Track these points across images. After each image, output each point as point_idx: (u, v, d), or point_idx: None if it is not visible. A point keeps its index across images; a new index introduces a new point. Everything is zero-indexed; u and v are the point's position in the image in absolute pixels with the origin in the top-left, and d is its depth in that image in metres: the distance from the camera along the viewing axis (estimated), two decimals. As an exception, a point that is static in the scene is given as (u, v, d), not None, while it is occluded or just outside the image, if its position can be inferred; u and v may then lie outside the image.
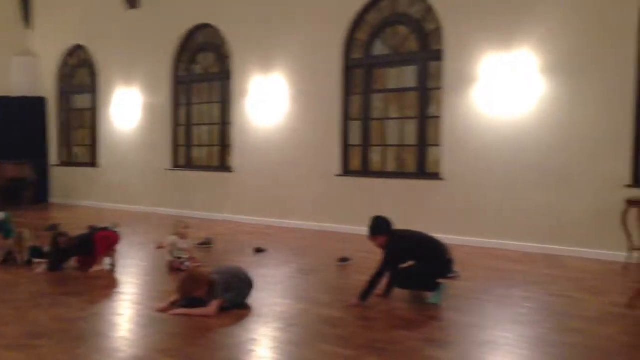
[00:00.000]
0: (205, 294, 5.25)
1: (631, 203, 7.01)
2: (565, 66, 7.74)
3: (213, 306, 5.18)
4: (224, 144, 11.78)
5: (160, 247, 7.15)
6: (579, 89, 7.67)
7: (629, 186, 7.35)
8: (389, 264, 5.55)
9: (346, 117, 9.98)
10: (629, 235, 7.03)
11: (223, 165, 11.74)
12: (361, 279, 6.44)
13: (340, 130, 9.96)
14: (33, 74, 14.82)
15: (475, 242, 8.43)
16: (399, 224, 5.79)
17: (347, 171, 9.99)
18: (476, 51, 8.42)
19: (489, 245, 8.33)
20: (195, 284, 5.27)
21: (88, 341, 4.59)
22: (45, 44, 14.75)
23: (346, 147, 10.01)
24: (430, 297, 5.55)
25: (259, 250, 8.08)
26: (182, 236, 7.22)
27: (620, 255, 7.20)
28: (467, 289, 6.04)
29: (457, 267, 6.60)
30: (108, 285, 6.39)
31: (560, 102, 7.80)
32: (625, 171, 7.41)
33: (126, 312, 5.37)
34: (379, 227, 5.63)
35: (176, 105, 12.50)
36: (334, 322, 4.97)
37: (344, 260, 7.32)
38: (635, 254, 7.16)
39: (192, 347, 4.43)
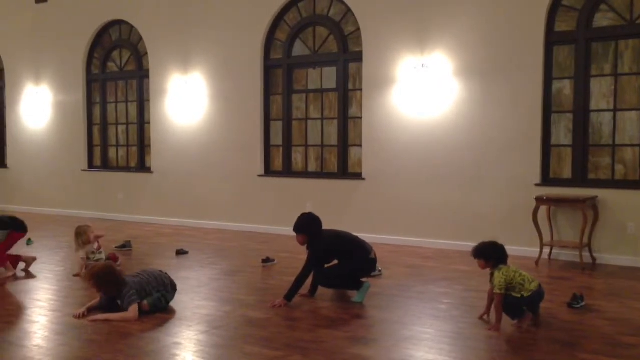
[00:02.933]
0: (114, 293, 5.15)
1: (540, 201, 7.41)
2: (477, 69, 8.07)
3: (132, 311, 5.05)
4: (142, 144, 11.47)
5: (77, 275, 6.75)
6: (491, 91, 8.02)
7: (538, 185, 7.77)
8: (314, 263, 5.60)
9: (267, 117, 9.97)
10: (539, 231, 7.43)
11: (142, 166, 11.43)
12: (286, 279, 6.47)
13: (261, 130, 9.94)
14: None
15: (395, 240, 8.65)
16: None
17: (269, 171, 9.99)
18: (393, 53, 8.63)
19: (407, 243, 8.57)
20: (104, 280, 5.14)
21: (1, 350, 4.36)
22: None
23: (268, 147, 10.01)
24: (355, 296, 5.65)
25: (180, 252, 7.93)
26: (91, 240, 6.96)
27: (532, 251, 7.59)
28: (389, 287, 6.20)
29: (378, 265, 6.76)
30: (20, 290, 6.09)
31: (473, 104, 8.13)
32: (535, 170, 7.82)
33: (41, 319, 5.13)
34: (303, 225, 5.68)
35: (90, 104, 12.05)
36: (259, 323, 4.97)
37: (267, 260, 7.32)
38: (546, 250, 7.57)
39: (112, 353, 4.30)
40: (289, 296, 5.49)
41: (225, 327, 4.88)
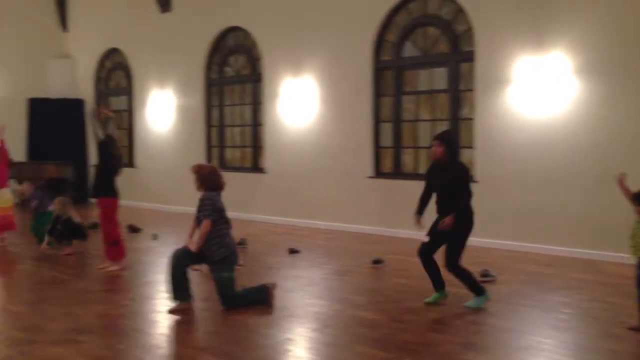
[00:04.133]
0: (204, 189, 5.55)
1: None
2: (599, 68, 7.63)
3: (205, 226, 5.35)
4: (256, 145, 11.89)
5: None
6: (615, 90, 7.55)
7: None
8: (470, 182, 5.52)
9: (377, 119, 9.99)
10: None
11: (256, 166, 11.85)
12: (396, 281, 6.48)
13: (371, 132, 9.98)
14: (70, 76, 15.14)
15: (510, 245, 8.35)
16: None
17: (378, 173, 10.00)
18: (508, 52, 8.36)
19: (523, 249, 8.24)
20: (207, 176, 5.50)
21: (129, 337, 4.71)
22: (81, 47, 15.07)
23: (377, 149, 10.02)
24: (472, 301, 5.49)
25: (292, 251, 8.14)
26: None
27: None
28: (504, 294, 6.00)
29: (493, 271, 6.59)
30: (147, 282, 6.52)
31: (595, 104, 7.68)
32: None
33: (166, 309, 5.47)
34: (447, 136, 5.60)
35: (209, 106, 12.66)
36: (369, 324, 5.01)
37: (377, 262, 7.34)
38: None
39: (231, 345, 4.52)
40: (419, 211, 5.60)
41: (336, 326, 4.97)
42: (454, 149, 5.49)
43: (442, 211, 5.45)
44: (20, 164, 13.81)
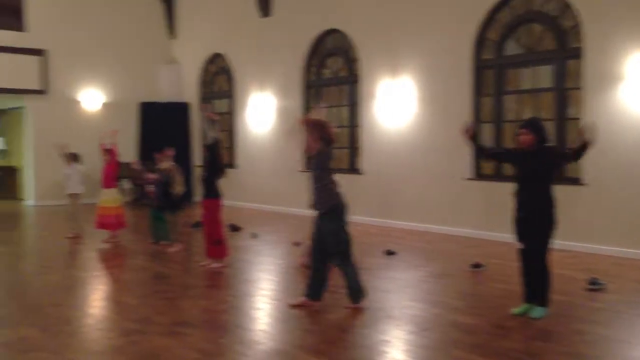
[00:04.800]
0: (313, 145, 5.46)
1: None
2: None
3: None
4: (353, 146, 11.95)
5: (296, 244, 7.42)
6: None
7: None
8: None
9: (477, 120, 9.74)
10: None
11: (352, 167, 11.91)
12: (496, 286, 6.30)
13: (471, 133, 9.73)
14: (177, 81, 15.94)
15: (620, 252, 7.86)
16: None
17: (478, 175, 9.75)
18: (620, 48, 7.88)
19: (635, 256, 7.74)
20: (318, 129, 5.41)
21: (230, 332, 4.88)
22: (188, 53, 15.81)
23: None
24: (535, 310, 5.17)
25: (389, 253, 8.11)
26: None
27: None
28: (614, 302, 5.68)
29: (602, 279, 6.26)
30: (247, 279, 6.74)
31: None
32: None
33: (265, 306, 5.63)
34: (535, 123, 5.37)
35: (307, 108, 12.86)
36: (468, 329, 4.90)
37: (477, 266, 7.16)
38: None
39: (328, 344, 4.57)
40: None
41: (434, 330, 4.90)
42: (542, 136, 5.24)
43: (522, 205, 5.20)
44: (130, 164, 14.69)
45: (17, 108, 15.43)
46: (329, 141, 5.49)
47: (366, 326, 4.99)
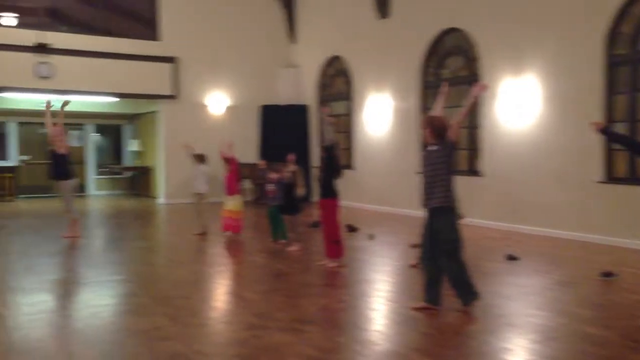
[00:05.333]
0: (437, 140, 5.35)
1: None
2: None
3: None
4: (472, 148, 11.64)
5: (414, 246, 7.37)
6: None
7: None
8: None
9: (609, 119, 9.12)
10: None
11: (472, 169, 11.61)
12: (630, 297, 5.90)
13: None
14: (297, 84, 16.38)
15: None
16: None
17: (610, 178, 9.13)
18: None
19: None
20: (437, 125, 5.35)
21: (347, 331, 4.94)
22: (307, 56, 16.19)
23: (609, 151, 9.15)
24: None
25: (511, 258, 7.81)
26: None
27: None
28: None
29: None
30: (363, 280, 6.78)
31: None
32: None
33: (381, 307, 5.64)
34: None
35: (424, 109, 12.71)
36: (598, 341, 4.61)
37: (608, 274, 6.70)
38: None
39: (445, 348, 4.50)
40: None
41: (560, 340, 4.67)
42: None
43: None
44: (251, 165, 15.28)
45: (150, 112, 16.58)
46: (445, 137, 5.36)
47: (486, 332, 4.85)
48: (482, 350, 4.44)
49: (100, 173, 18.27)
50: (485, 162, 11.14)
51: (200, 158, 10.21)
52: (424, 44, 12.40)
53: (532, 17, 10.07)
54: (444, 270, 5.33)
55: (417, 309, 5.39)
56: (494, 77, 10.82)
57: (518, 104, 10.37)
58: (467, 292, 5.32)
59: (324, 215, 7.45)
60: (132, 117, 18.50)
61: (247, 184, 14.93)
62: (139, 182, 18.02)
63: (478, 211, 11.16)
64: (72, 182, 9.55)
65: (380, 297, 5.99)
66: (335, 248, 7.41)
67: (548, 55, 9.87)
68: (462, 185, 11.47)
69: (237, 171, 9.75)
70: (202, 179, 10.14)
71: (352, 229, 10.26)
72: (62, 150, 9.46)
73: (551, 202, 9.83)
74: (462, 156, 11.91)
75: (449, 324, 5.06)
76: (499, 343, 4.61)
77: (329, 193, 7.38)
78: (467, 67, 11.67)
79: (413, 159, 12.75)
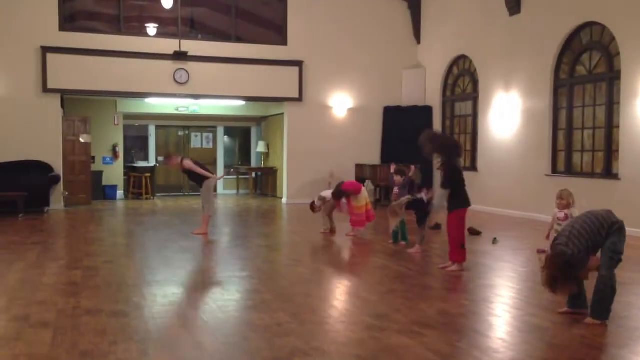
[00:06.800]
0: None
1: None
2: None
3: None
4: (609, 149, 10.86)
5: (541, 252, 7.04)
6: None
7: None
8: None
9: None
10: None
11: (608, 172, 10.84)
12: None
13: None
14: (421, 85, 16.20)
15: None
16: None
17: None
18: None
19: None
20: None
21: (467, 337, 4.80)
22: (431, 57, 15.95)
23: None
24: None
25: (651, 268, 7.20)
26: (563, 207, 7.45)
27: None
28: None
29: None
30: (485, 285, 6.56)
31: None
32: None
33: (504, 315, 5.42)
34: None
35: (556, 109, 12.05)
36: None
37: None
38: None
39: (573, 362, 4.23)
40: None
41: None
42: None
43: None
44: (373, 167, 15.32)
45: (277, 114, 17.14)
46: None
47: (620, 346, 4.51)
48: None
49: (227, 173, 19.16)
50: (625, 165, 10.36)
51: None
52: (557, 40, 11.77)
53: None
54: (598, 278, 5.01)
55: (561, 314, 5.23)
56: (636, 73, 10.03)
57: (663, 102, 9.54)
58: (604, 309, 4.96)
59: (451, 219, 7.27)
60: (259, 120, 19.24)
61: (368, 185, 14.98)
62: (264, 182, 18.69)
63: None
64: (208, 182, 10.07)
65: (503, 304, 5.76)
66: (459, 252, 7.23)
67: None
68: (596, 189, 10.80)
69: (351, 203, 9.77)
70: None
71: (474, 232, 9.97)
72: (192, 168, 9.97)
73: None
74: (596, 158, 11.18)
75: (578, 335, 4.75)
76: (632, 357, 4.27)
77: (456, 204, 7.18)
78: (606, 63, 10.91)
79: (543, 161, 12.16)
